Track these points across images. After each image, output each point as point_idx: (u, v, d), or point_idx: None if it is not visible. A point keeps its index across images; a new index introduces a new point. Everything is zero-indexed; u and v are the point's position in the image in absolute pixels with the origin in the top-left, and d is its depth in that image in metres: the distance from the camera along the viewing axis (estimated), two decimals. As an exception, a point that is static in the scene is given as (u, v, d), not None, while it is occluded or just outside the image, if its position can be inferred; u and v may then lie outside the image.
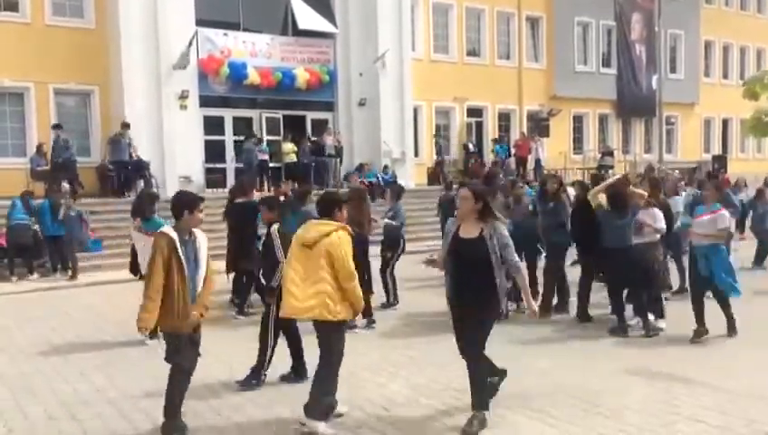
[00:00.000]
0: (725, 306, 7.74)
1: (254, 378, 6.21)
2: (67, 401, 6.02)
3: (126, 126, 17.24)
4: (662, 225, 8.18)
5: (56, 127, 16.90)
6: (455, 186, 13.64)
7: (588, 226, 8.37)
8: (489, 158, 24.79)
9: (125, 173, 17.28)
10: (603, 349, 7.40)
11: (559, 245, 9.09)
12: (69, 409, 5.82)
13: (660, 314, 8.20)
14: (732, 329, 7.74)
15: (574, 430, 5.11)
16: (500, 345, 7.55)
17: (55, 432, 5.34)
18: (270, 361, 6.27)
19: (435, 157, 23.92)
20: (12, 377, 6.83)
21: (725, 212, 7.69)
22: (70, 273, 13.18)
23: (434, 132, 24.62)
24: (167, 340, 5.19)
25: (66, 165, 16.37)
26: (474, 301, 5.13)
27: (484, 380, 5.26)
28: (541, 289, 9.26)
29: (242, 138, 20.21)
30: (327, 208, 5.29)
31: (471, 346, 5.19)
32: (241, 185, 10.88)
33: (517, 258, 5.20)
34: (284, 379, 6.32)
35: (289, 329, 6.26)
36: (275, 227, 6.25)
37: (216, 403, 5.84)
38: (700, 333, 7.56)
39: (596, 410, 5.46)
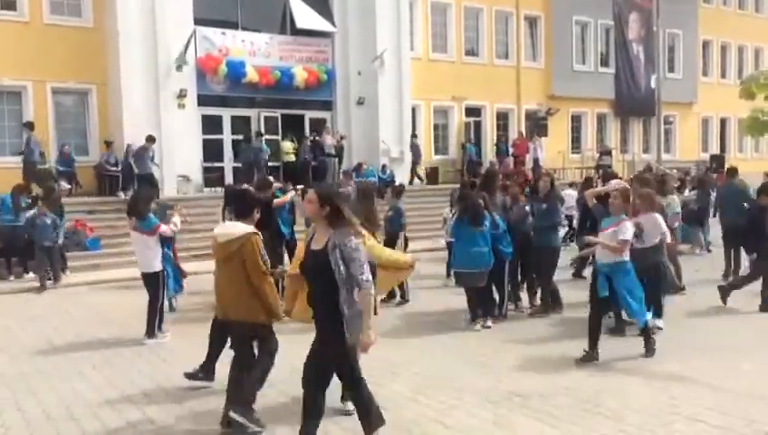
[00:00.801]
0: (643, 332, 7.00)
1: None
2: (65, 401, 6.00)
3: (151, 139, 16.96)
4: (662, 230, 8.10)
5: (27, 125, 16.74)
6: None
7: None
8: (487, 158, 24.82)
9: (146, 189, 16.62)
10: (603, 349, 7.39)
11: (550, 247, 9.01)
12: (67, 408, 5.81)
13: (658, 314, 8.19)
14: (648, 350, 6.94)
15: (575, 429, 5.10)
16: (498, 345, 7.59)
17: (53, 432, 5.33)
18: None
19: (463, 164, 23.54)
20: (10, 376, 6.82)
21: (629, 223, 6.91)
22: (52, 276, 12.53)
23: (463, 140, 24.73)
24: (267, 325, 5.25)
25: (27, 167, 15.99)
26: (317, 330, 4.37)
27: (362, 406, 4.50)
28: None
29: (240, 137, 20.22)
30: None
31: (308, 382, 4.43)
32: (264, 179, 10.94)
33: (367, 275, 4.16)
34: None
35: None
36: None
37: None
38: (590, 357, 6.77)
39: (596, 410, 5.46)
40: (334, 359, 4.34)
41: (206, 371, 6.25)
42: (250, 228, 5.14)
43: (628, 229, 6.81)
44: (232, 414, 5.03)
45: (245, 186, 10.27)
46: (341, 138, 21.31)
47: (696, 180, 16.86)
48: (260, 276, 5.06)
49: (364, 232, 4.90)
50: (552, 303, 9.07)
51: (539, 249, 8.98)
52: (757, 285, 9.25)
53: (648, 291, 7.78)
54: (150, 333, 7.95)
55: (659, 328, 7.96)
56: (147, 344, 7.81)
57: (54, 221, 12.58)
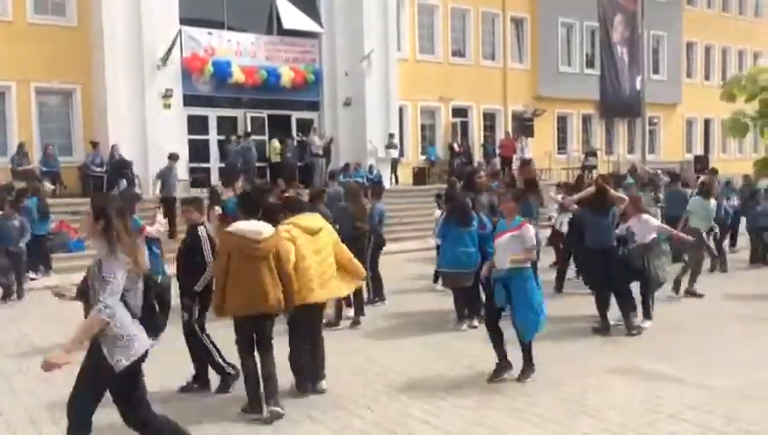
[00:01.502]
0: (524, 348, 6.31)
1: (228, 379, 6.07)
2: (51, 406, 5.95)
3: (174, 157, 16.12)
4: (651, 229, 8.23)
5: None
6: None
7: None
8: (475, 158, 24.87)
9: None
10: (586, 348, 7.44)
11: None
12: (50, 412, 5.76)
13: (647, 315, 8.24)
14: (524, 373, 6.25)
15: (558, 429, 5.13)
16: (484, 345, 7.61)
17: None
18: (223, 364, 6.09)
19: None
20: (-8, 379, 6.75)
21: (530, 226, 6.37)
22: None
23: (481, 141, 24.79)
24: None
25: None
26: None
27: None
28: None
29: (223, 137, 20.12)
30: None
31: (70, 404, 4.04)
32: (265, 185, 10.93)
33: (108, 302, 3.70)
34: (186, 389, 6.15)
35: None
36: (203, 229, 6.09)
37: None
38: (502, 369, 6.26)
39: (580, 410, 5.49)
40: (85, 372, 3.99)
41: (203, 381, 6.17)
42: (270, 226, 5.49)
43: (530, 234, 6.26)
44: (275, 409, 5.34)
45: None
46: (330, 141, 21.26)
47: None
48: (290, 270, 5.50)
49: (296, 231, 5.64)
50: None
51: None
52: (747, 288, 9.35)
53: (620, 285, 7.93)
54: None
55: (644, 328, 8.02)
56: None
57: (23, 224, 11.41)
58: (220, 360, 6.10)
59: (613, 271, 7.95)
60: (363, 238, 9.07)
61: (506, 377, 6.22)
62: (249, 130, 20.61)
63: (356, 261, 6.32)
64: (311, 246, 5.80)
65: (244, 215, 5.60)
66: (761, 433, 4.98)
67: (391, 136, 22.19)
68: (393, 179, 22.54)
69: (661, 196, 13.91)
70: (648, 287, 8.25)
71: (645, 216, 8.37)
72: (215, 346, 6.13)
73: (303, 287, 5.64)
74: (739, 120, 10.73)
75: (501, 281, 6.23)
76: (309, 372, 5.97)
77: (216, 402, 5.89)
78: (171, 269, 10.20)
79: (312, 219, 6.07)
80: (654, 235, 8.26)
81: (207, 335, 6.15)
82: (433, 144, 25.14)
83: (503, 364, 6.29)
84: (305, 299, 5.67)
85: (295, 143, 20.70)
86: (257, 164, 19.78)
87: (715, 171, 13.59)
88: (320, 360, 6.04)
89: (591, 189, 8.66)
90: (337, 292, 6.27)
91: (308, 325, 6.01)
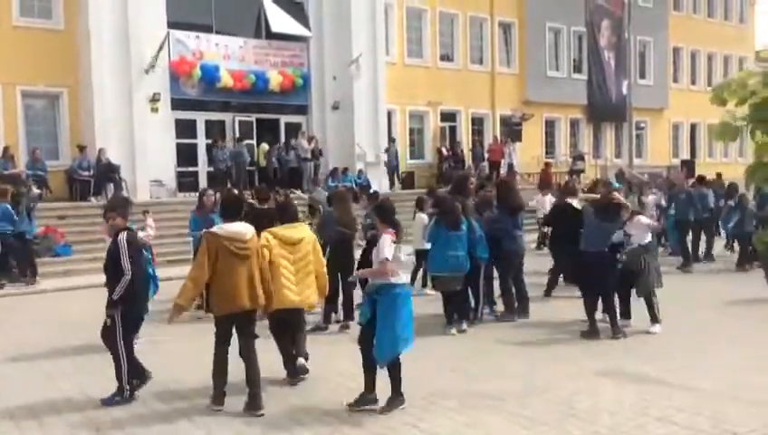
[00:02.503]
0: (390, 374, 5.58)
1: (118, 395, 5.93)
2: (35, 409, 5.89)
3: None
4: (647, 230, 8.30)
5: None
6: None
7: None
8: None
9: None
10: (576, 352, 7.46)
11: (502, 252, 8.99)
12: (37, 416, 5.70)
13: (655, 319, 8.25)
14: (388, 404, 5.56)
15: (548, 431, 5.13)
16: (473, 348, 7.61)
17: (22, 441, 5.22)
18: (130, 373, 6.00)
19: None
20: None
21: (388, 237, 5.57)
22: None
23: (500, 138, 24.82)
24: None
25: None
26: None
27: None
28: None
29: (210, 141, 20.06)
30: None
31: None
32: (267, 188, 10.91)
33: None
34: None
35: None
36: (124, 235, 5.98)
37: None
38: (365, 399, 5.59)
39: (570, 412, 5.50)
40: None
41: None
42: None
43: (386, 245, 5.50)
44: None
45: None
46: (320, 153, 21.21)
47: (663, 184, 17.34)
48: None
49: (274, 240, 6.02)
50: (519, 307, 9.10)
51: (502, 253, 9.01)
52: (734, 291, 9.39)
53: (610, 287, 7.99)
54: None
55: (653, 332, 8.05)
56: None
57: None
58: (125, 373, 5.93)
59: (606, 275, 7.98)
60: (349, 242, 9.07)
61: (368, 408, 5.54)
62: (237, 133, 20.56)
63: (326, 277, 6.56)
64: (287, 255, 6.13)
65: (226, 219, 5.88)
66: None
67: (393, 141, 22.25)
68: (393, 184, 22.55)
69: (646, 199, 14.06)
70: (649, 290, 8.22)
71: (638, 217, 8.40)
72: (128, 358, 5.96)
73: (277, 292, 5.95)
74: (729, 125, 10.77)
75: (371, 296, 5.61)
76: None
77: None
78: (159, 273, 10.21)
79: (294, 229, 6.33)
80: (649, 236, 8.32)
81: (130, 344, 6.03)
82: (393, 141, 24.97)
83: (368, 395, 5.58)
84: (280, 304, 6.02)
85: (282, 146, 20.67)
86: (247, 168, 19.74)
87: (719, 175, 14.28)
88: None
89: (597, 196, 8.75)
90: (308, 301, 6.41)
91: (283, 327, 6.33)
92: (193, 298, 5.87)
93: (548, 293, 10.64)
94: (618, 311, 8.16)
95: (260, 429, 5.31)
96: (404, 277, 5.66)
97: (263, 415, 5.51)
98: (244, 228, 5.71)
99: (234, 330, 5.75)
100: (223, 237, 5.59)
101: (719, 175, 18.78)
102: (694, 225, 13.89)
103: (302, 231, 6.42)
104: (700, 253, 14.27)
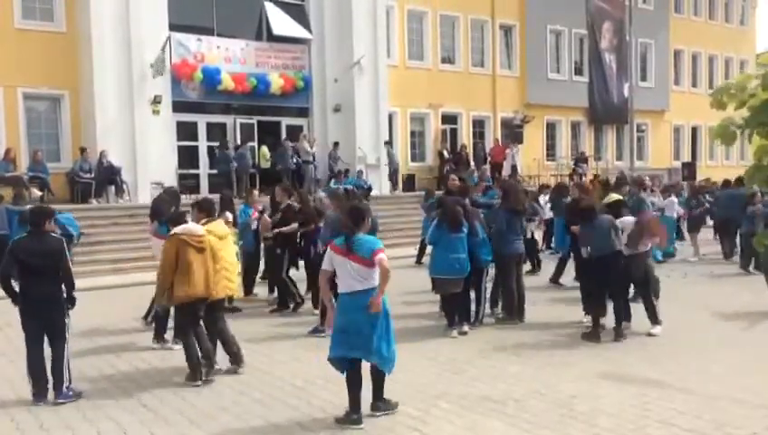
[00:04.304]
0: (375, 379, 5.52)
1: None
2: (20, 418, 5.90)
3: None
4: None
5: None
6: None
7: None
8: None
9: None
10: (576, 353, 7.46)
11: (499, 254, 8.98)
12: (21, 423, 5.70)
13: (655, 320, 8.24)
14: (381, 402, 5.55)
15: (549, 434, 5.13)
16: (474, 351, 7.61)
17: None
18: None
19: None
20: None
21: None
22: None
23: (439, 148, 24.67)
24: None
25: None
26: None
27: None
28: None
29: (215, 143, 20.07)
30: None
31: None
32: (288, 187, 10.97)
33: None
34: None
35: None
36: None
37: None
38: (351, 420, 5.34)
39: (570, 415, 5.50)
40: None
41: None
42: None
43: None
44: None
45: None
46: (314, 158, 21.21)
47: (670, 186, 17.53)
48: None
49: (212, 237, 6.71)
50: (517, 309, 9.09)
51: (496, 256, 9.03)
52: (747, 294, 9.39)
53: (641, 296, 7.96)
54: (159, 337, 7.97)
55: (654, 334, 8.04)
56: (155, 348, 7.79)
57: None
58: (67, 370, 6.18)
59: (612, 277, 7.98)
60: None
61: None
62: (239, 136, 20.56)
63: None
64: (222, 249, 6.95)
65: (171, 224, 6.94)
66: (749, 438, 5.00)
67: (387, 143, 22.27)
68: (390, 186, 22.55)
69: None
70: (651, 293, 8.24)
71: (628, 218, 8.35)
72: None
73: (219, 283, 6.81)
74: (728, 128, 10.74)
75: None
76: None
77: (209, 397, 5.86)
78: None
79: (221, 226, 7.23)
80: (650, 244, 8.28)
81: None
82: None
83: (353, 417, 5.36)
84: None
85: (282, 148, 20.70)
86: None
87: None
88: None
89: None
90: (227, 291, 7.22)
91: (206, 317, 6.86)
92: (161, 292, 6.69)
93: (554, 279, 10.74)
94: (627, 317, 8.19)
95: (260, 429, 5.30)
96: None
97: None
98: (195, 227, 6.70)
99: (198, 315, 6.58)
100: (184, 236, 6.50)
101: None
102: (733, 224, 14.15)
103: (225, 228, 7.35)
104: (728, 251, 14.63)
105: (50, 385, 6.08)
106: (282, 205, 10.23)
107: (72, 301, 6.20)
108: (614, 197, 8.86)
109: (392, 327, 5.51)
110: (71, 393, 6.08)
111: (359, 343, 5.29)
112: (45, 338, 6.12)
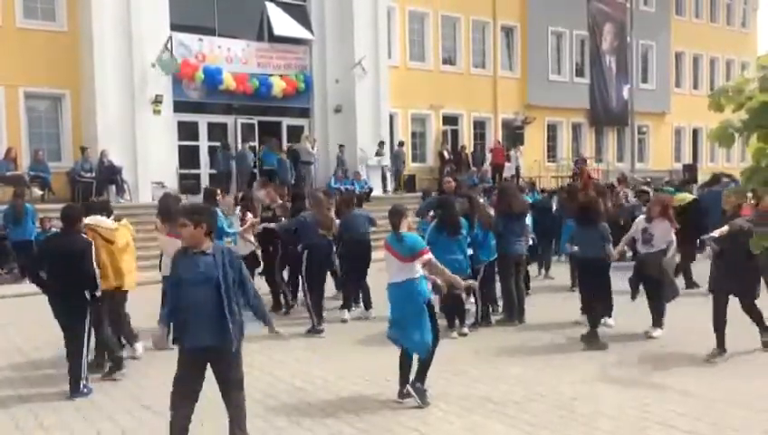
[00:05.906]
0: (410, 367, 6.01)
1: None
2: (14, 420, 5.90)
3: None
4: (670, 238, 8.23)
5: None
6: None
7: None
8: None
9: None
10: (577, 355, 7.45)
11: (500, 255, 8.99)
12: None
13: (658, 323, 8.22)
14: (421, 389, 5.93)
15: (549, 436, 5.14)
16: (474, 352, 7.61)
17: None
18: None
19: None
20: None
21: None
22: None
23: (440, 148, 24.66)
24: None
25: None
26: None
27: None
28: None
29: (216, 144, 20.07)
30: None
31: None
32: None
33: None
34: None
35: None
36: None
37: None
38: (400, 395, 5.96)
39: (570, 417, 5.50)
40: None
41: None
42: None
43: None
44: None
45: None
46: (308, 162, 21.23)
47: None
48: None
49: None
50: (517, 311, 9.09)
51: (498, 257, 9.02)
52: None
53: (649, 298, 7.96)
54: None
55: (654, 336, 8.03)
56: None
57: None
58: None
59: (596, 283, 8.03)
60: (330, 247, 9.18)
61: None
62: (240, 136, 20.58)
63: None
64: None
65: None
66: (749, 440, 5.00)
67: (381, 144, 22.25)
68: (387, 186, 22.55)
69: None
70: (662, 294, 8.16)
71: (667, 221, 8.22)
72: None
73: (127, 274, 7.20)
74: (726, 130, 10.70)
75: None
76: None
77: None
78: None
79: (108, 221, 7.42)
80: (667, 244, 8.19)
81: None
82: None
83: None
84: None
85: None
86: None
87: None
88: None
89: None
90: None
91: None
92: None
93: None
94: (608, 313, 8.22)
95: (260, 429, 5.30)
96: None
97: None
98: (108, 222, 7.06)
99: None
100: (97, 230, 6.81)
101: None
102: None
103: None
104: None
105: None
106: (272, 204, 10.48)
107: (93, 299, 6.35)
108: (689, 197, 8.80)
109: (426, 317, 5.87)
110: (85, 391, 6.21)
111: (397, 327, 6.01)
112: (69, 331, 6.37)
